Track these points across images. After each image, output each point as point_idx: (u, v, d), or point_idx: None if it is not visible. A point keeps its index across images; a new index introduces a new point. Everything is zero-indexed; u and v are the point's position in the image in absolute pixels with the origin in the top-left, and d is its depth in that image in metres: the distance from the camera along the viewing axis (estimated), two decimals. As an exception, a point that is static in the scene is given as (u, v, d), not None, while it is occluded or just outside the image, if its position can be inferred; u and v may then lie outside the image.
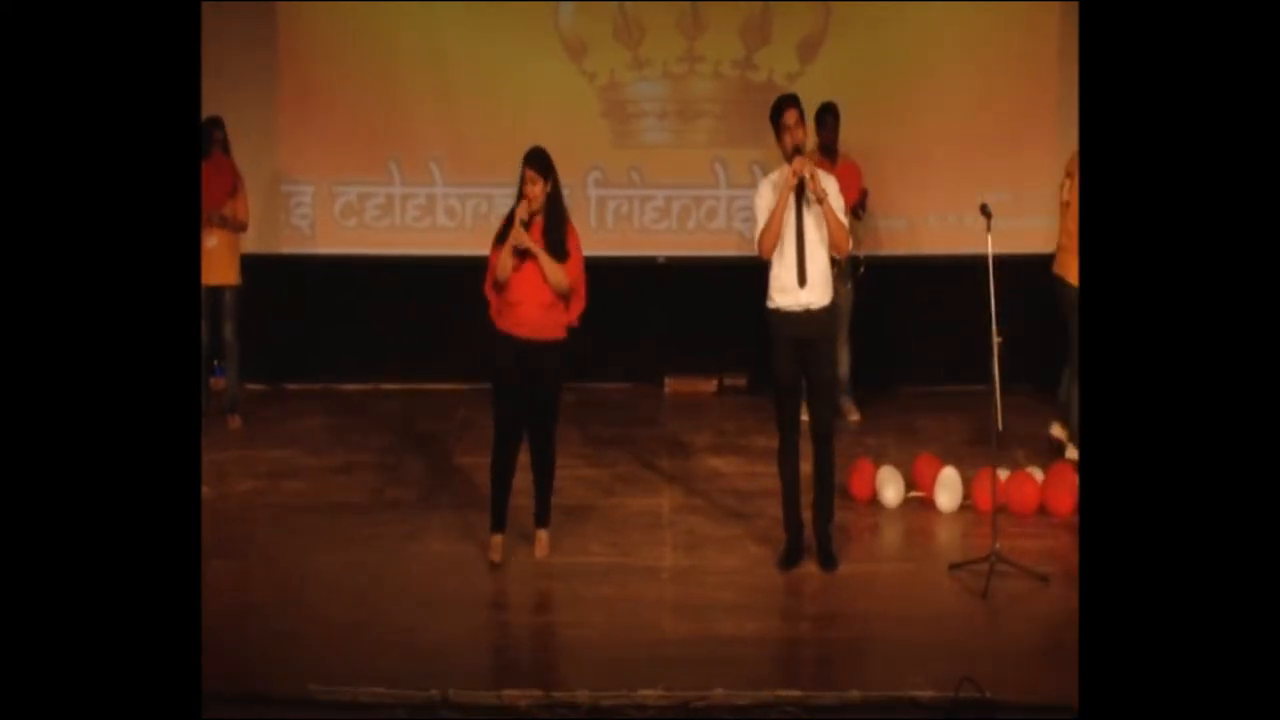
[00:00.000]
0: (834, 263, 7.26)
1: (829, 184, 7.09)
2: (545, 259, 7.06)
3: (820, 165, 7.89)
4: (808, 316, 7.07)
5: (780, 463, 7.24)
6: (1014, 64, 10.63)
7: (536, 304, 7.12)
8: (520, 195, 7.13)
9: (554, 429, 7.35)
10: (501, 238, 7.14)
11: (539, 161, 7.13)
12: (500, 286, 7.12)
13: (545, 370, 7.19)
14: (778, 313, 7.11)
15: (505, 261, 7.07)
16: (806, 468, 7.25)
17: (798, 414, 7.20)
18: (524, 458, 7.31)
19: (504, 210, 10.50)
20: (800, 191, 7.02)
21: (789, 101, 7.12)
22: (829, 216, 7.01)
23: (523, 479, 7.34)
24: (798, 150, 7.01)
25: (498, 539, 7.29)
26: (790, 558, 7.21)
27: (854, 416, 9.92)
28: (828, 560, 7.18)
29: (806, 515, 7.25)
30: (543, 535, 7.38)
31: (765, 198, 7.09)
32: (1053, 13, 10.51)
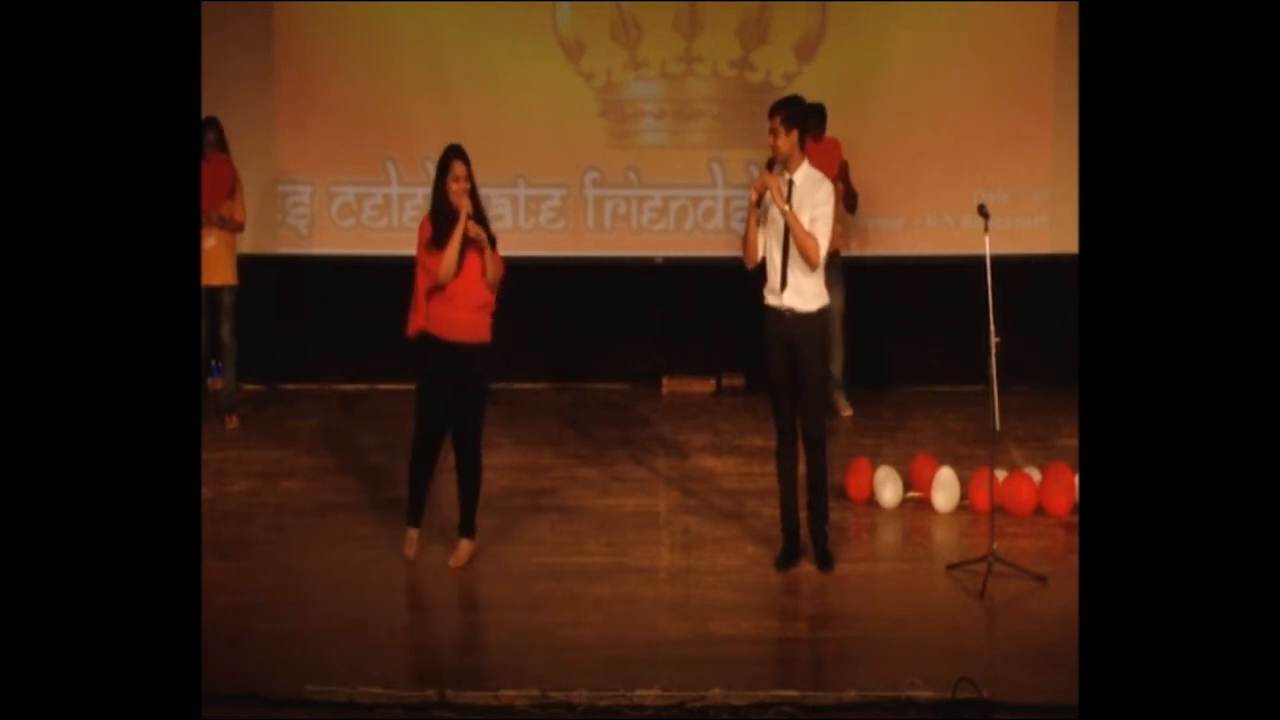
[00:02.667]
0: (830, 260, 7.25)
1: (820, 192, 7.04)
2: (490, 252, 7.01)
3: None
4: (792, 318, 7.07)
5: (778, 464, 7.25)
6: (1011, 64, 10.64)
7: (469, 306, 7.04)
8: (440, 191, 7.02)
9: (481, 434, 7.22)
10: (438, 239, 6.96)
11: (466, 155, 7.05)
12: (441, 289, 6.99)
13: (472, 373, 7.10)
14: (767, 310, 7.15)
15: (451, 260, 6.92)
16: (805, 469, 7.25)
17: (794, 415, 7.20)
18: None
19: (500, 210, 10.68)
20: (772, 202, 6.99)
21: (772, 108, 7.07)
22: (794, 229, 6.95)
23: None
24: (770, 164, 7.01)
25: (414, 533, 7.27)
26: (787, 558, 7.21)
27: (846, 411, 9.93)
28: (824, 560, 7.18)
29: (803, 516, 7.25)
30: (466, 545, 7.25)
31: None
32: (1050, 12, 10.51)
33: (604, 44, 10.70)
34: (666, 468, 8.96)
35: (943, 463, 8.26)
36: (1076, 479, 7.85)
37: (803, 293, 7.06)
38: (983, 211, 7.09)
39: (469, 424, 7.16)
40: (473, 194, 7.05)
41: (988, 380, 7.04)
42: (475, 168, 7.13)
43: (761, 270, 7.17)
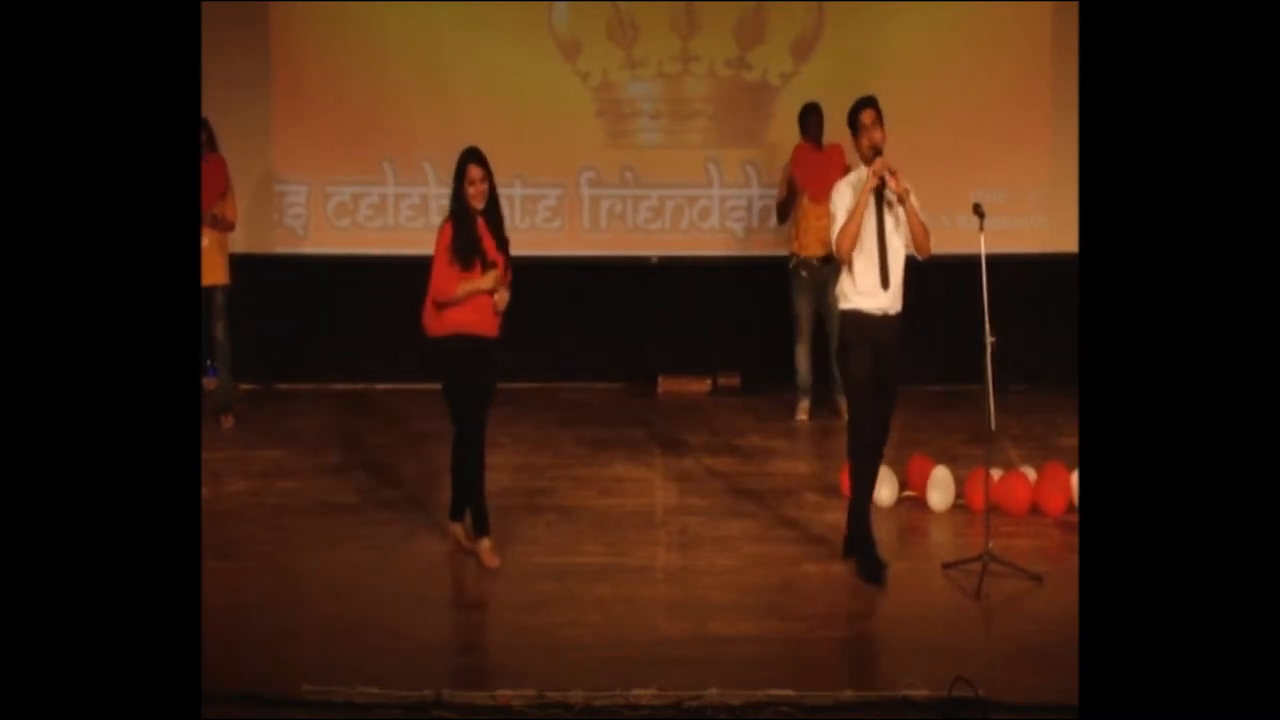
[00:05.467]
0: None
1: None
2: (504, 288, 7.11)
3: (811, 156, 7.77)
4: (884, 321, 6.96)
5: (862, 467, 7.07)
6: (1008, 64, 10.66)
7: (491, 309, 7.11)
8: (460, 195, 7.05)
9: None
10: (462, 251, 6.99)
11: (485, 159, 7.06)
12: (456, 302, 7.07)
13: (494, 368, 7.21)
14: (857, 315, 6.97)
15: (461, 297, 7.02)
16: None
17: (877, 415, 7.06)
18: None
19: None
20: (880, 194, 6.92)
21: (867, 102, 7.04)
22: (911, 217, 6.93)
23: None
24: (876, 151, 6.91)
25: (460, 527, 7.36)
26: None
27: (802, 416, 9.97)
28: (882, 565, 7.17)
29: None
30: (489, 541, 7.25)
31: (845, 198, 6.97)
32: (1047, 12, 10.54)
33: (600, 43, 10.71)
34: (664, 467, 8.97)
35: (939, 462, 8.27)
36: (1072, 478, 7.87)
37: (897, 292, 6.99)
38: (978, 211, 7.10)
39: (483, 417, 7.26)
40: (492, 195, 7.09)
41: (983, 380, 7.05)
42: (471, 168, 7.13)
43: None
